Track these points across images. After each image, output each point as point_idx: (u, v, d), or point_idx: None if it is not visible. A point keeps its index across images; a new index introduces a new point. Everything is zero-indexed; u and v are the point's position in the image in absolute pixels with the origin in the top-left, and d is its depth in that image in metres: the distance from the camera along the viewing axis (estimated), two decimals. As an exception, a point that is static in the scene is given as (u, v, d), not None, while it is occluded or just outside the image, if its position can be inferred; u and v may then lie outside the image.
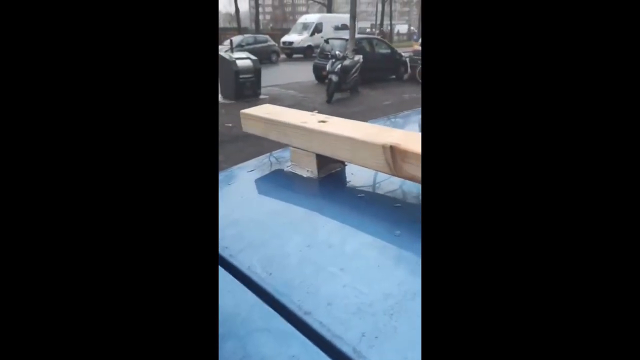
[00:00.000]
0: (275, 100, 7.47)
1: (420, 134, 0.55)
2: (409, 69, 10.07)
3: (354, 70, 7.73)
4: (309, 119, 0.66)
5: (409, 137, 0.53)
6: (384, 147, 0.52)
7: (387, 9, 29.24)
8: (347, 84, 7.63)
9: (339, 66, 7.34)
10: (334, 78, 7.26)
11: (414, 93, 8.41)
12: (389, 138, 0.53)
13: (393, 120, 1.23)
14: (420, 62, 9.84)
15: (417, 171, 0.50)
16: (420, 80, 9.31)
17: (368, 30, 27.87)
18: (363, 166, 0.58)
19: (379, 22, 29.37)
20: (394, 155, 0.51)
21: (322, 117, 0.67)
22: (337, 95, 7.43)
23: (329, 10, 24.47)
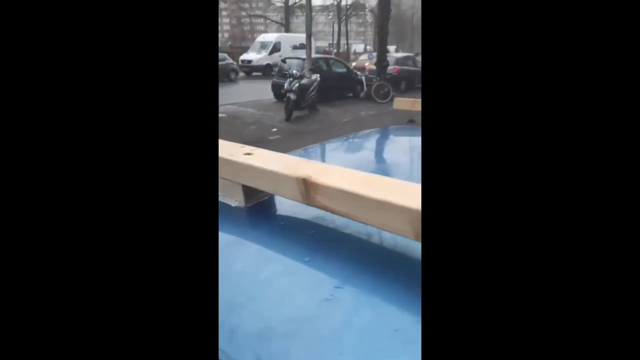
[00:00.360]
0: (234, 118, 7.44)
1: (334, 166, 0.61)
2: (365, 87, 10.44)
3: (311, 88, 7.90)
4: (237, 152, 0.70)
5: (322, 169, 0.59)
6: (297, 179, 0.57)
7: (343, 29, 30.32)
8: (305, 102, 7.78)
9: (297, 85, 7.48)
10: (292, 96, 7.38)
11: (371, 110, 8.72)
12: (303, 171, 0.58)
13: (351, 140, 1.29)
14: (374, 80, 10.27)
15: (327, 202, 0.55)
16: (375, 98, 9.69)
17: (326, 49, 28.68)
18: (282, 197, 0.62)
19: (335, 41, 30.34)
20: (307, 187, 0.56)
21: (249, 149, 0.71)
22: (296, 113, 7.54)
23: (287, 30, 24.96)
